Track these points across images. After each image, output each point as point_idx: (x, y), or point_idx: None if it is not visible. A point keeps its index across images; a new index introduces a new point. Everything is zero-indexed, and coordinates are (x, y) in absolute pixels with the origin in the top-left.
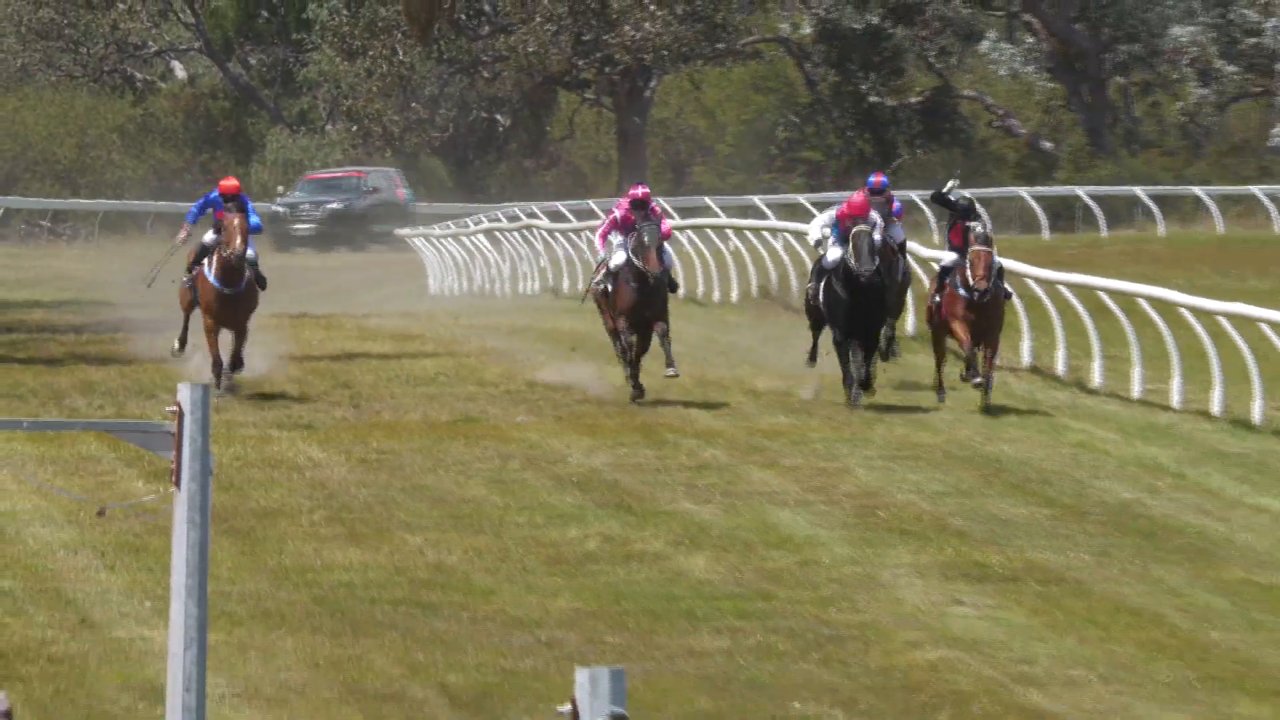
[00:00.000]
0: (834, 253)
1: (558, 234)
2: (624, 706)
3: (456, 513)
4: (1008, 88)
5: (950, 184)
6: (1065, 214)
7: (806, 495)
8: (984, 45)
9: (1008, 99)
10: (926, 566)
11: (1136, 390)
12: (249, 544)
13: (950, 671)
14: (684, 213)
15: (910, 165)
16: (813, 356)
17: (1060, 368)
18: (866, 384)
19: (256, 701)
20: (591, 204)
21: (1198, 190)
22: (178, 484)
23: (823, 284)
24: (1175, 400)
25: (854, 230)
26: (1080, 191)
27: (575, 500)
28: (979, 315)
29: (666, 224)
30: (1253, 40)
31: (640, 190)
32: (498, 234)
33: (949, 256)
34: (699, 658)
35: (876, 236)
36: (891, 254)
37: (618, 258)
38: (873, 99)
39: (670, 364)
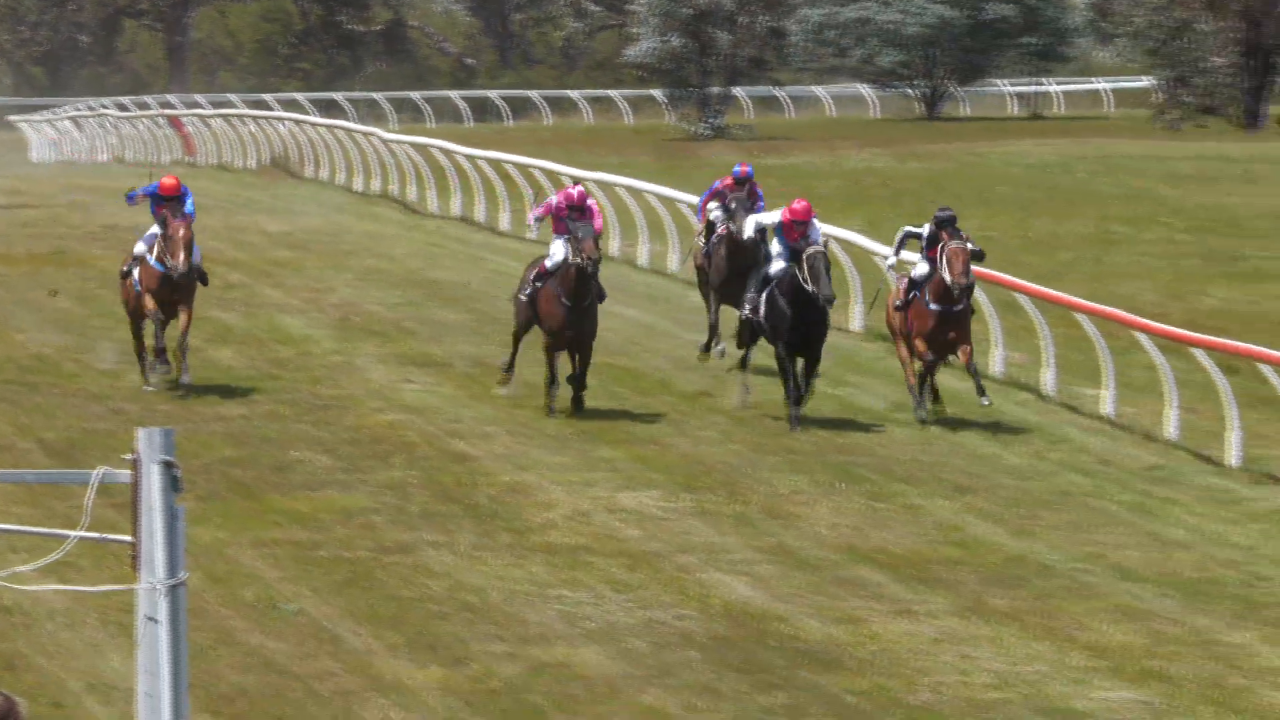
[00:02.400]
0: (779, 264)
1: (124, 120)
2: (173, 456)
3: (54, 319)
4: (442, 20)
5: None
6: (481, 109)
7: (305, 306)
8: None
9: (442, 28)
10: (387, 356)
11: (505, 224)
12: None
13: (403, 429)
14: (216, 104)
15: (373, 75)
16: (744, 365)
17: (480, 215)
18: (802, 397)
19: None
20: (149, 99)
21: (573, 94)
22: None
23: (764, 296)
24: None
25: (808, 252)
26: (492, 94)
27: None
28: (950, 329)
29: (599, 221)
30: None
31: (576, 190)
32: (79, 120)
33: (922, 267)
34: (226, 421)
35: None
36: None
37: (556, 256)
38: (347, 26)
39: (578, 399)
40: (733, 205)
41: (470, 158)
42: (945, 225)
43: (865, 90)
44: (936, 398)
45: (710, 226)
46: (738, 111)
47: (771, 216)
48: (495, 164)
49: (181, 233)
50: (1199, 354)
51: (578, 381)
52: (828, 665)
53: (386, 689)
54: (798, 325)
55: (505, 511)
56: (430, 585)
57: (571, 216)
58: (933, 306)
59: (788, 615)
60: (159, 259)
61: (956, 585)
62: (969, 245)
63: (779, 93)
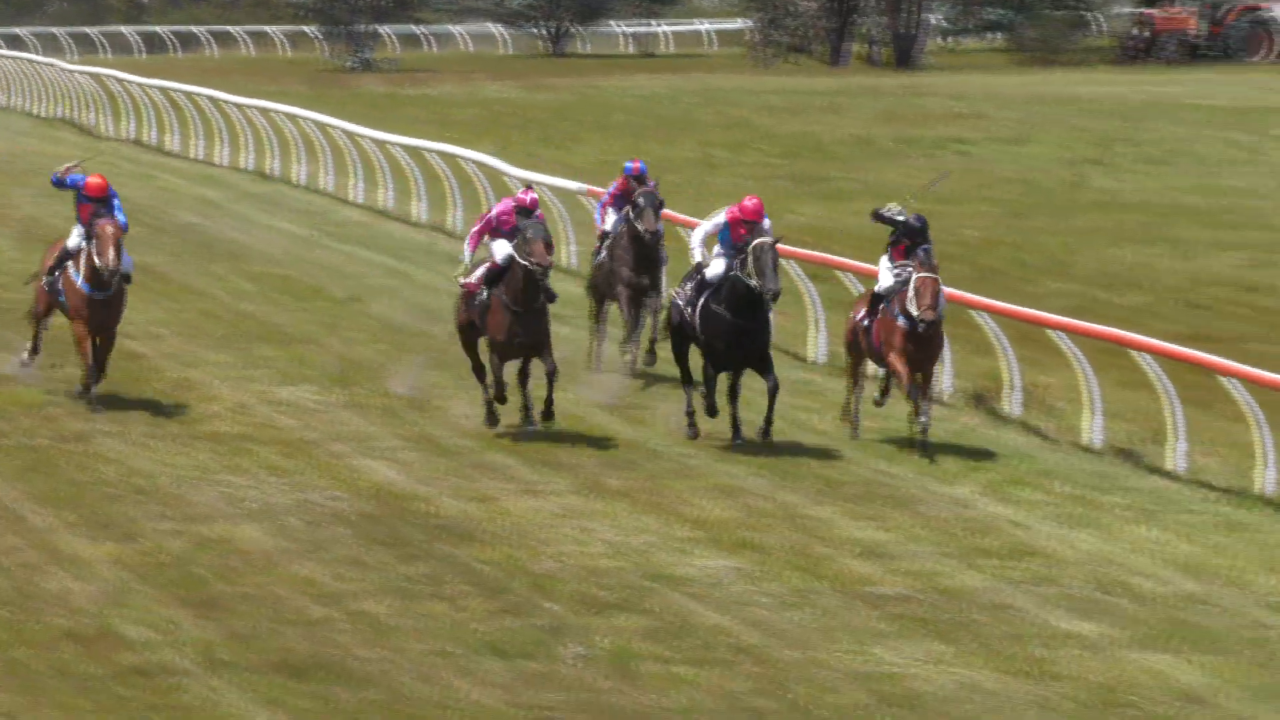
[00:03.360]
0: (718, 266)
1: None
2: None
3: None
4: None
5: (893, 206)
6: (152, 44)
7: None
8: None
9: None
10: None
11: (173, 145)
12: None
13: None
14: None
15: (54, 12)
16: (709, 405)
17: (150, 138)
18: (768, 432)
19: None
20: None
21: (234, 29)
22: None
23: (700, 302)
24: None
25: (754, 243)
26: (161, 30)
27: None
28: (919, 346)
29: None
30: None
31: (529, 196)
32: None
33: (886, 280)
34: None
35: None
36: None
37: (501, 253)
38: None
39: (550, 413)
40: (641, 202)
41: (142, 86)
42: (913, 235)
43: (497, 29)
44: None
45: (604, 235)
46: (384, 47)
47: (716, 219)
48: (164, 91)
49: (110, 229)
50: (792, 266)
51: (547, 403)
52: (463, 538)
53: (65, 562)
54: (736, 334)
55: (174, 404)
56: (104, 470)
57: (520, 218)
58: (902, 321)
59: (428, 495)
60: (88, 278)
61: (577, 468)
62: (937, 266)
63: (421, 30)
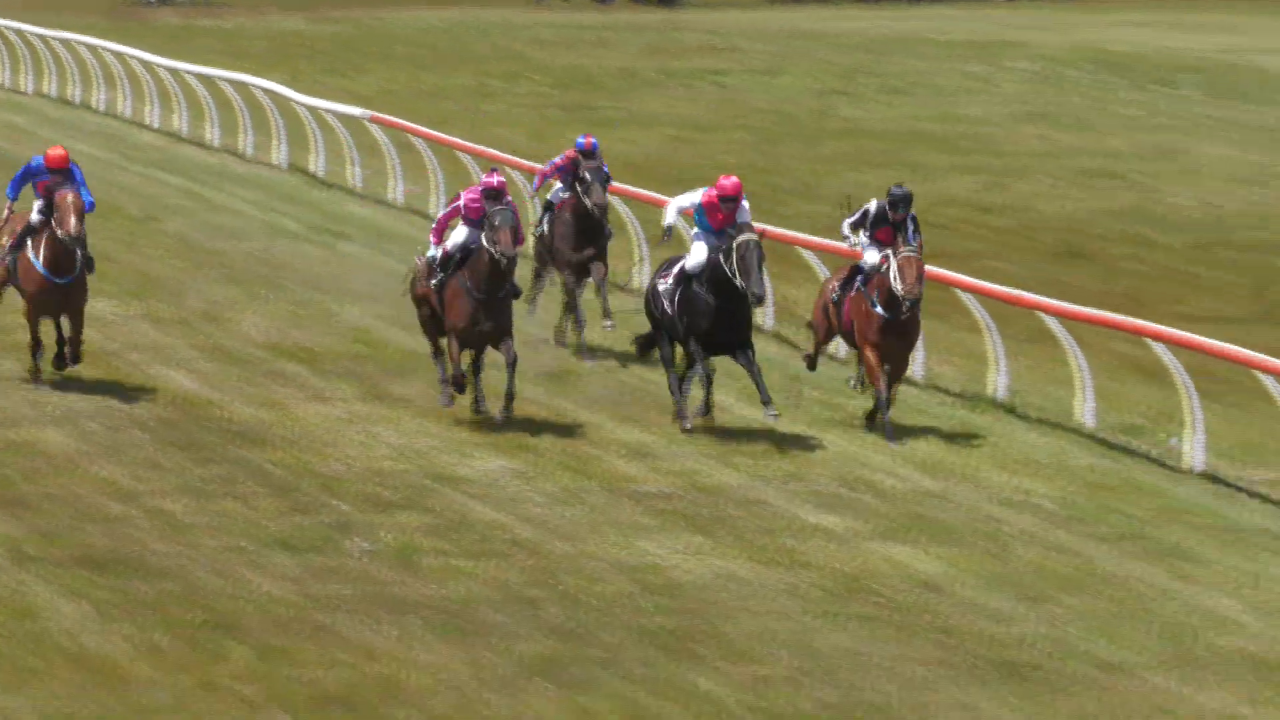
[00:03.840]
0: (699, 254)
1: None
2: None
3: None
4: None
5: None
6: None
7: None
8: None
9: None
10: None
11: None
12: None
13: None
14: None
15: None
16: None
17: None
18: (769, 403)
19: None
20: None
21: None
22: None
23: (679, 291)
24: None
25: (739, 240)
26: None
27: None
28: (898, 337)
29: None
30: None
31: (496, 179)
32: None
33: (870, 255)
34: None
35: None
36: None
37: (455, 242)
38: None
39: (508, 406)
40: (588, 177)
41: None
42: (898, 206)
43: None
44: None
45: (548, 205)
46: None
47: (692, 197)
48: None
49: (70, 198)
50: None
51: (508, 395)
52: (255, 442)
53: None
54: (721, 318)
55: None
56: None
57: (488, 203)
58: (880, 312)
59: (222, 402)
60: (48, 263)
61: (362, 376)
62: (919, 246)
63: None
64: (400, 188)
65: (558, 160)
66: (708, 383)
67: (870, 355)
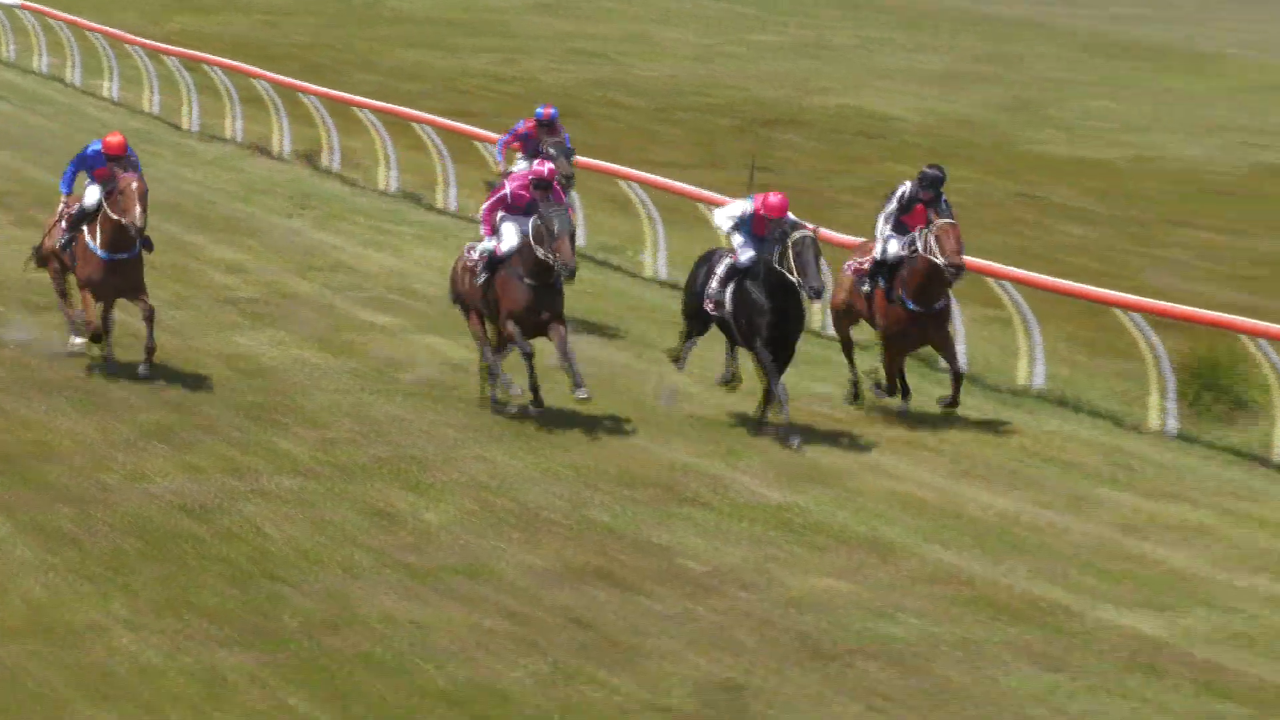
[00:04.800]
0: (748, 254)
1: None
2: None
3: None
4: None
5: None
6: None
7: None
8: None
9: None
10: None
11: None
12: None
13: None
14: None
15: None
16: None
17: None
18: (774, 395)
19: None
20: None
21: None
22: None
23: (730, 289)
24: None
25: (794, 236)
26: None
27: None
28: (931, 330)
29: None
30: None
31: (546, 168)
32: None
33: (892, 245)
34: None
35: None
36: None
37: (509, 244)
38: None
39: (579, 384)
40: (551, 151)
41: None
42: (930, 187)
43: None
44: (906, 393)
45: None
46: None
47: (742, 206)
48: None
49: (135, 184)
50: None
51: (572, 369)
52: None
53: None
54: (778, 320)
55: None
56: None
57: (536, 198)
58: (912, 306)
59: None
60: (105, 244)
61: (12, 206)
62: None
63: None
64: (45, 60)
65: (518, 128)
66: (776, 382)
67: (893, 354)
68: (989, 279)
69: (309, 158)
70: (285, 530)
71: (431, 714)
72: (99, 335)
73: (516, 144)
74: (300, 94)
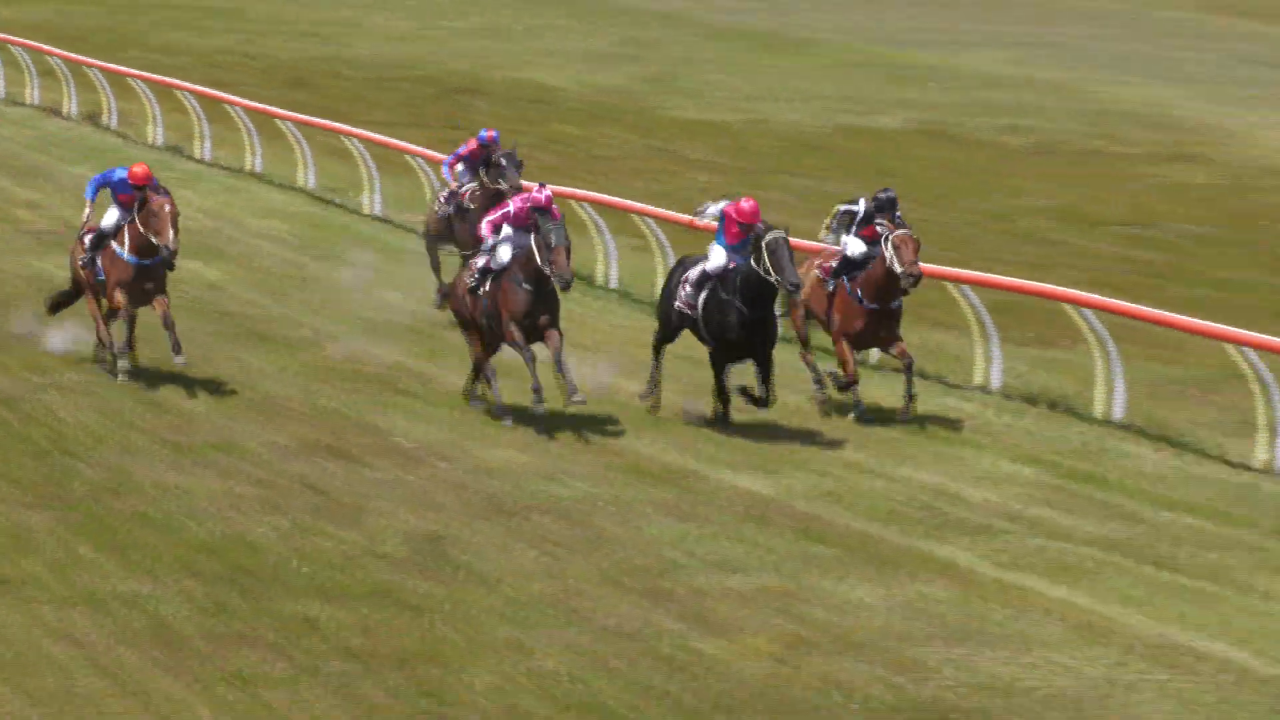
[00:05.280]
0: (718, 257)
1: None
2: None
3: None
4: None
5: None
6: None
7: None
8: None
9: None
10: None
11: None
12: None
13: None
14: None
15: None
16: (654, 383)
17: None
18: (767, 401)
19: None
20: None
21: None
22: None
23: (703, 293)
24: None
25: (767, 237)
26: None
27: None
28: (881, 326)
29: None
30: None
31: (544, 195)
32: None
33: (856, 245)
34: None
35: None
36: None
37: (500, 260)
38: None
39: (574, 390)
40: (503, 162)
41: None
42: (886, 208)
43: None
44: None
45: (453, 191)
46: None
47: (714, 208)
48: None
49: (168, 208)
50: None
51: (567, 376)
52: None
53: None
54: (749, 325)
55: None
56: None
57: (534, 217)
58: (868, 305)
59: None
60: (133, 250)
61: None
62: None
63: None
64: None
65: (461, 150)
66: (764, 386)
67: (846, 350)
68: (948, 283)
69: (92, 118)
70: (76, 415)
71: (195, 562)
72: (117, 345)
73: (459, 163)
74: (85, 67)
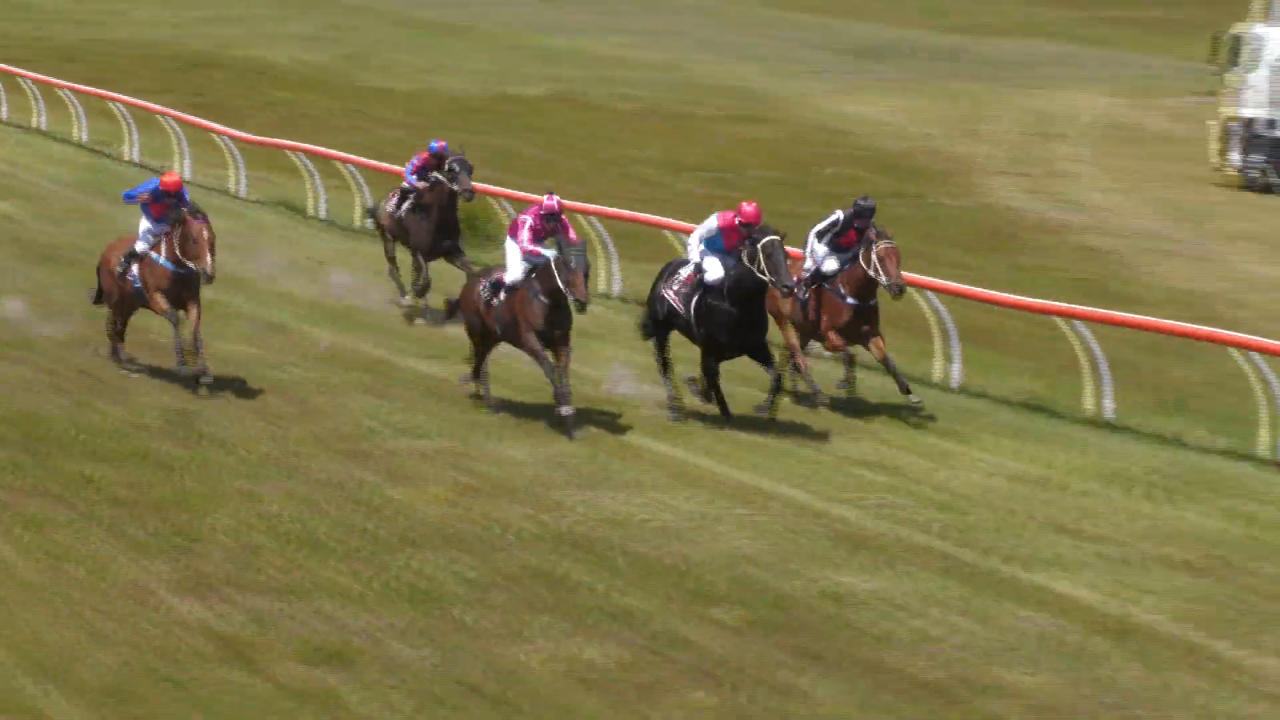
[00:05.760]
0: (716, 268)
1: None
2: None
3: None
4: None
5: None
6: None
7: None
8: None
9: None
10: None
11: None
12: None
13: None
14: None
15: None
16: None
17: None
18: (779, 388)
19: None
20: None
21: None
22: None
23: (695, 299)
24: None
25: (763, 241)
26: None
27: None
28: (863, 321)
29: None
30: None
31: (555, 201)
32: None
33: (831, 262)
34: None
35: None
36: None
37: (514, 276)
38: None
39: (565, 403)
40: (456, 167)
41: None
42: (865, 216)
43: None
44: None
45: (404, 191)
46: None
47: (710, 224)
48: None
49: (206, 234)
50: None
51: (561, 382)
52: None
53: None
54: (738, 325)
55: None
56: None
57: (547, 229)
58: (850, 301)
59: None
60: (170, 258)
61: None
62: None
63: None
64: None
65: (416, 161)
66: (774, 384)
67: (837, 340)
68: (926, 291)
69: None
70: None
71: None
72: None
73: (416, 173)
74: None
